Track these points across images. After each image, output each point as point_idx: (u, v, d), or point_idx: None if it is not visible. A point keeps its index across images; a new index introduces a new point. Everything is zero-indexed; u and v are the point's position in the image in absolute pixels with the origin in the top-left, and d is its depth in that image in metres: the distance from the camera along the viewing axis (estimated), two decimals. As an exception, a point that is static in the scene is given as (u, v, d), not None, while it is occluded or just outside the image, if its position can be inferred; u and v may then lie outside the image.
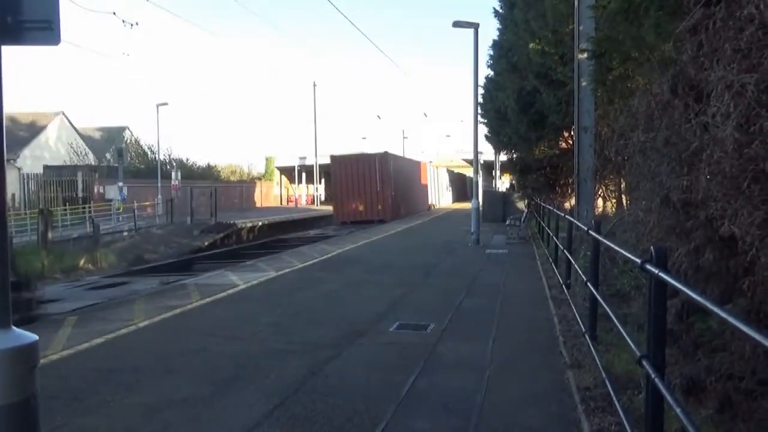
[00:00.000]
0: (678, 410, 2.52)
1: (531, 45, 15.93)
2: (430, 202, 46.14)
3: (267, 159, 60.78)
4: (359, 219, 30.17)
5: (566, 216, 9.39)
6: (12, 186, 33.42)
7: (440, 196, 52.23)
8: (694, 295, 2.49)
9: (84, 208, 30.88)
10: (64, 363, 5.87)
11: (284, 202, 59.59)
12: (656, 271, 2.90)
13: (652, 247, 3.02)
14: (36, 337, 2.13)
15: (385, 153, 32.10)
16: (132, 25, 15.80)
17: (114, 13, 13.55)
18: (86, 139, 45.85)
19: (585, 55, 11.76)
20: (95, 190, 34.49)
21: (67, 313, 9.23)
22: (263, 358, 5.92)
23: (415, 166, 42.04)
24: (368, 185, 30.64)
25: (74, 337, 6.89)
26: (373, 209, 30.46)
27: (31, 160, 37.61)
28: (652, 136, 5.23)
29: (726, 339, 3.82)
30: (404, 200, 34.86)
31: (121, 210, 30.28)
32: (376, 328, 7.17)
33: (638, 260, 3.26)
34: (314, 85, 43.28)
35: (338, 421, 4.31)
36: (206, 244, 26.38)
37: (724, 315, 2.18)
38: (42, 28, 2.25)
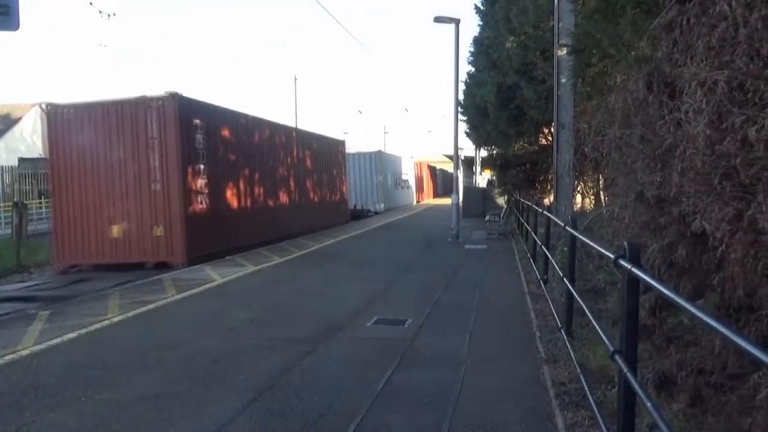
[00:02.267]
0: (649, 405, 2.53)
1: (508, 44, 16.00)
2: (362, 205, 31.61)
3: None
4: (109, 261, 13.53)
5: (544, 212, 9.43)
6: (-15, 179, 32.83)
7: (389, 195, 35.20)
8: (664, 290, 2.50)
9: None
10: (35, 359, 5.77)
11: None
12: (629, 267, 2.91)
13: (625, 243, 3.03)
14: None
15: (176, 96, 13.42)
16: (109, 15, 15.49)
17: (91, 3, 13.27)
18: (63, 131, 45.09)
19: (564, 51, 11.81)
20: (71, 183, 33.83)
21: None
22: (239, 353, 5.87)
23: (316, 145, 22.73)
24: (133, 175, 13.41)
25: (46, 332, 6.79)
26: (144, 237, 13.36)
27: (5, 153, 36.98)
28: (628, 133, 5.26)
29: (697, 334, 3.86)
30: (257, 211, 17.08)
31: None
32: (354, 323, 7.14)
33: (612, 256, 3.28)
34: (295, 80, 42.96)
35: (312, 416, 4.28)
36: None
37: (693, 310, 2.19)
38: (-3, 12, 2.16)
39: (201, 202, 13.99)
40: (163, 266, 12.91)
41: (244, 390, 4.82)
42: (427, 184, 55.88)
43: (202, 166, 14.14)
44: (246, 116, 17.13)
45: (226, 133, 15.71)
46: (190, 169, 13.63)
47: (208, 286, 9.84)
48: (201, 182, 14.05)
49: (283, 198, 19.21)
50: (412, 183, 46.04)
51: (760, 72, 3.16)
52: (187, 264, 12.76)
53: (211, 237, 14.14)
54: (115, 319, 7.42)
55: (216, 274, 10.96)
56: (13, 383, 5.03)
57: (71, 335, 6.63)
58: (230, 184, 15.69)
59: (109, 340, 6.50)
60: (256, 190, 17.23)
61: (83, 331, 6.83)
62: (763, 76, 3.14)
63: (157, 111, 13.25)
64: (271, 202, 18.22)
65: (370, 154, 33.76)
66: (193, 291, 9.34)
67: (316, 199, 22.31)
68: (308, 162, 21.73)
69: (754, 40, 3.20)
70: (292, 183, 19.96)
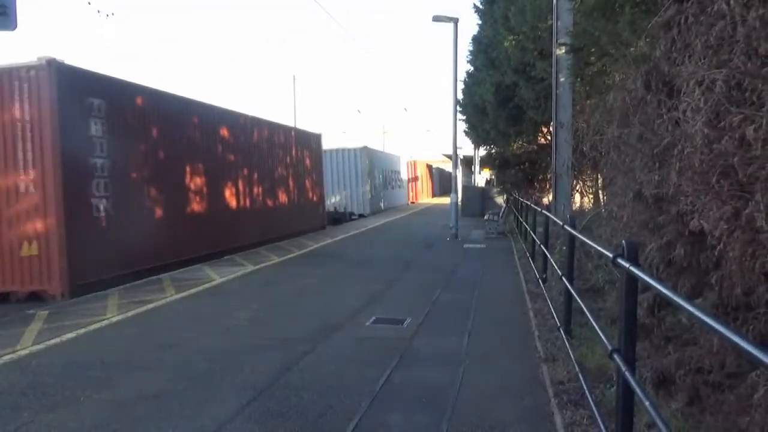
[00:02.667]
0: (647, 404, 2.53)
1: (506, 43, 16.01)
2: (345, 207, 28.88)
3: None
4: None
5: (543, 211, 9.44)
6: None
7: (378, 196, 32.94)
8: (662, 289, 2.50)
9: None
10: (34, 358, 5.76)
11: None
12: (627, 266, 2.91)
13: (623, 242, 3.03)
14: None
15: (53, 64, 9.22)
16: (108, 15, 15.44)
17: (89, 3, 12.94)
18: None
19: (563, 50, 11.81)
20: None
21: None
22: (238, 352, 5.87)
23: (275, 135, 17.98)
24: None
25: (45, 332, 6.78)
26: (11, 258, 9.32)
27: None
28: (626, 132, 5.26)
29: (695, 333, 3.86)
30: (188, 220, 12.77)
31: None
32: (353, 322, 7.14)
33: (610, 255, 3.28)
34: (294, 79, 42.91)
35: (312, 416, 4.28)
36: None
37: (691, 309, 2.19)
38: (-8, 11, 2.14)
39: (96, 210, 10.07)
40: (36, 298, 9.32)
41: (243, 389, 4.82)
42: (425, 184, 55.20)
43: (99, 161, 10.14)
44: (173, 97, 12.75)
45: (142, 118, 11.44)
46: (79, 165, 9.71)
47: (207, 285, 9.84)
48: (97, 182, 10.11)
49: (227, 202, 14.70)
50: (407, 182, 43.59)
51: (758, 71, 3.17)
52: (70, 295, 9.21)
53: (113, 256, 10.23)
54: (114, 319, 7.42)
55: (215, 274, 10.96)
56: (12, 383, 5.02)
57: (70, 335, 6.62)
58: (146, 186, 11.49)
59: (108, 340, 6.50)
60: (186, 192, 12.89)
61: (82, 331, 6.82)
62: (761, 74, 3.14)
63: (29, 85, 9.34)
64: (207, 208, 13.64)
65: (355, 150, 29.83)
66: (192, 291, 9.33)
67: (273, 203, 17.62)
68: (265, 156, 17.24)
69: (752, 39, 3.20)
70: (240, 182, 15.43)
